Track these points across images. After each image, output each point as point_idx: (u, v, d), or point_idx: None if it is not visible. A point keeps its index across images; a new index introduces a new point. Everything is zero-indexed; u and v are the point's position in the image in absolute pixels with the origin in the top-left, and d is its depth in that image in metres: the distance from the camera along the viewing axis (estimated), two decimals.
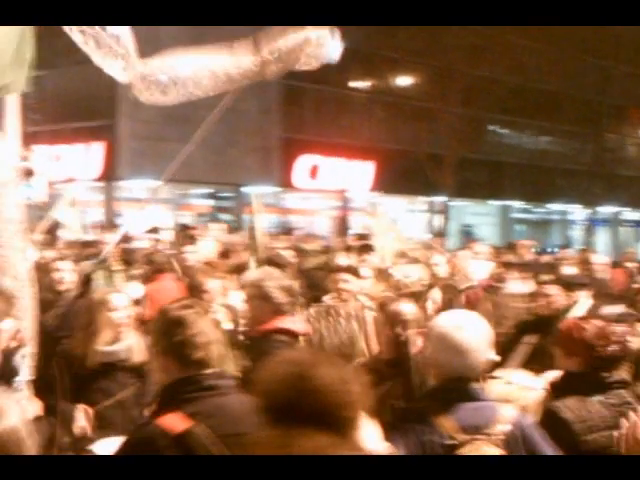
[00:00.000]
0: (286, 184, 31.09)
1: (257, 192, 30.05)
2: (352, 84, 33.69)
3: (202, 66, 5.98)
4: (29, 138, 6.13)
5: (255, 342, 5.12)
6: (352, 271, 7.50)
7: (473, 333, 3.70)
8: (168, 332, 3.49)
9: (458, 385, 3.65)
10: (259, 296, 5.23)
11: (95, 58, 5.55)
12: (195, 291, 6.76)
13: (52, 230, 10.65)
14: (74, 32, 5.34)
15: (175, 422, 3.29)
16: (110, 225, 14.79)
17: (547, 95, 37.29)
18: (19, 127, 5.72)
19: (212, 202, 31.09)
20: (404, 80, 35.41)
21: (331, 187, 32.31)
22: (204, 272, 7.56)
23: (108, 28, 5.42)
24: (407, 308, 5.38)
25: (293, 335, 5.16)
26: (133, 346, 5.37)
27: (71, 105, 26.90)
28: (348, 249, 11.62)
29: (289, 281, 5.50)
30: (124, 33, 5.53)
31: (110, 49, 5.53)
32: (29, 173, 17.21)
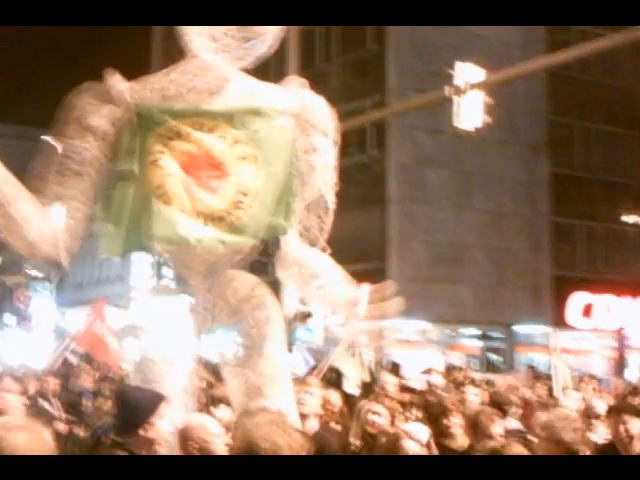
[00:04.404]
0: (558, 323, 30.22)
1: (529, 330, 29.61)
2: (624, 218, 32.63)
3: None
4: None
5: None
6: None
7: None
8: None
9: None
10: (551, 439, 5.00)
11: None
12: (480, 433, 6.60)
13: (333, 377, 10.56)
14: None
15: None
16: (389, 367, 14.77)
17: None
18: None
19: (482, 342, 30.71)
20: None
21: (606, 326, 31.01)
22: (487, 415, 7.36)
23: None
24: None
25: None
26: None
27: (344, 248, 27.92)
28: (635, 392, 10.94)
29: (579, 422, 5.23)
30: None
31: None
32: (307, 316, 17.85)
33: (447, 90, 15.02)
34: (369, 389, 10.20)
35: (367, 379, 11.29)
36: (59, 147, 5.44)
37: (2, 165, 5.22)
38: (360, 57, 29.40)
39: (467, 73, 14.86)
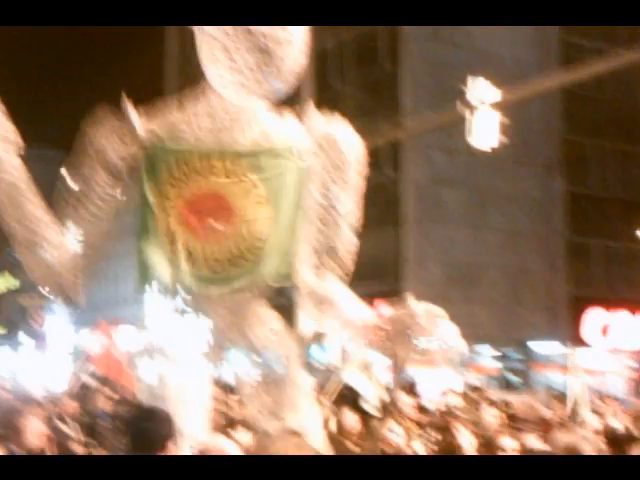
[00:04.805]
0: (575, 341, 30.06)
1: (546, 349, 29.43)
2: None
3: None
4: None
5: None
6: None
7: None
8: None
9: None
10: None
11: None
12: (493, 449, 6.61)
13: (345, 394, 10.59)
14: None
15: None
16: (406, 386, 14.71)
17: None
18: None
19: (499, 362, 30.55)
20: None
21: (624, 345, 30.80)
22: (496, 430, 7.36)
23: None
24: None
25: None
26: None
27: (359, 268, 27.85)
28: None
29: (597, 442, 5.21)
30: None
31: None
32: (320, 335, 17.80)
33: (459, 106, 15.06)
34: (385, 408, 10.17)
35: (384, 398, 11.26)
36: (73, 180, 5.45)
37: (33, 186, 5.26)
38: (374, 77, 29.46)
39: (479, 89, 14.92)
